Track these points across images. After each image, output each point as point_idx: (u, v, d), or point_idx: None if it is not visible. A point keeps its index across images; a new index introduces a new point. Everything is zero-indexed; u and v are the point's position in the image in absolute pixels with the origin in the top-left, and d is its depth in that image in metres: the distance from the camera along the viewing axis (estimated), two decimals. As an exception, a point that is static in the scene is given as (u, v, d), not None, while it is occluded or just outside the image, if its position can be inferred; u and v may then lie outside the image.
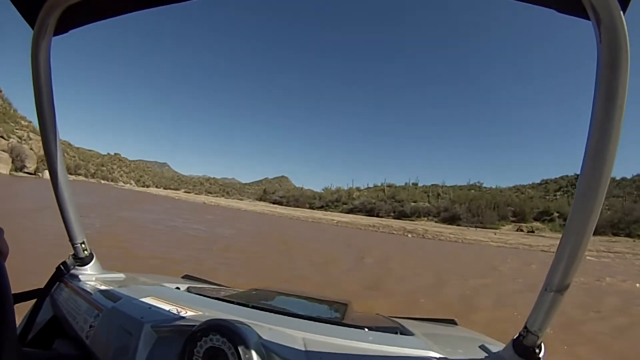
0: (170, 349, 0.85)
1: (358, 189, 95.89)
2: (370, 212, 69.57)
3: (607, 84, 0.63)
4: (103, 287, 1.21)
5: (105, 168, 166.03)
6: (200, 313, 1.02)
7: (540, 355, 0.77)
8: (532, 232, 47.02)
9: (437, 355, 0.85)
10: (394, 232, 29.64)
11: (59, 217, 1.25)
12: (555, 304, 0.73)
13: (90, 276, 1.31)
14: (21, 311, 1.07)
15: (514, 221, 55.11)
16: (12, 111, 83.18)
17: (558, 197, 68.02)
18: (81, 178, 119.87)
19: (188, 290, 1.48)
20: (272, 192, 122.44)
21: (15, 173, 63.49)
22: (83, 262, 1.32)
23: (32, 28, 1.05)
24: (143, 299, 1.08)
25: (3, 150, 63.73)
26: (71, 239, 1.28)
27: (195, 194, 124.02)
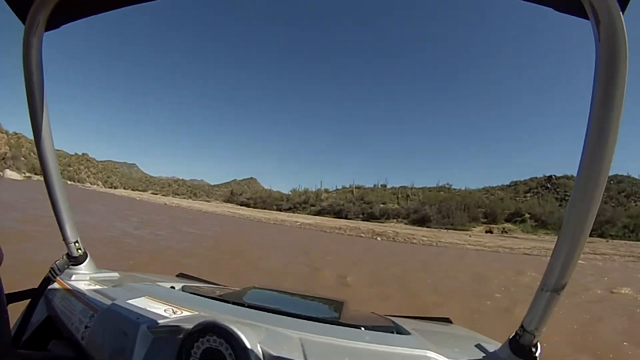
0: (167, 350, 0.85)
1: (327, 191, 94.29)
2: (338, 214, 68.10)
3: (606, 83, 0.63)
4: (98, 287, 1.22)
5: (72, 168, 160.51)
6: (196, 313, 1.01)
7: (537, 354, 0.78)
8: (506, 232, 46.36)
9: (434, 355, 0.85)
10: (362, 235, 27.09)
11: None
12: (551, 303, 0.74)
13: (85, 275, 1.31)
14: (16, 311, 1.12)
15: (484, 222, 54.58)
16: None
17: (528, 198, 68.13)
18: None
19: (183, 289, 1.46)
20: (240, 193, 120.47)
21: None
22: (77, 261, 1.31)
23: (24, 24, 1.06)
24: (138, 299, 1.07)
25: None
26: (65, 238, 1.27)
27: (163, 195, 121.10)
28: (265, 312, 1.11)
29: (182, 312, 1.00)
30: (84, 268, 1.33)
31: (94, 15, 1.10)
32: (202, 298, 1.26)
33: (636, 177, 63.88)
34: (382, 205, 69.67)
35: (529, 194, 72.30)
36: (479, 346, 0.95)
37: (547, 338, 5.22)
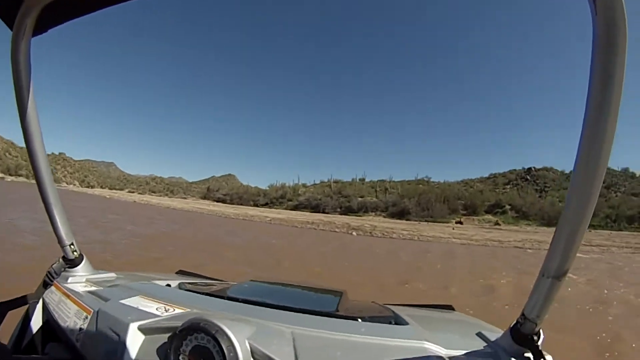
0: (158, 349, 0.86)
1: (304, 186, 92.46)
2: (315, 209, 66.44)
3: (605, 59, 0.61)
4: (93, 288, 1.22)
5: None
6: (188, 310, 1.02)
7: (539, 342, 0.77)
8: (498, 224, 44.81)
9: (432, 345, 0.85)
10: (336, 229, 24.55)
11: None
12: (553, 290, 0.73)
13: (81, 277, 1.32)
14: (16, 317, 1.19)
15: (464, 214, 53.56)
16: None
17: (508, 190, 67.61)
18: (21, 179, 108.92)
19: (179, 286, 1.47)
20: (216, 190, 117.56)
21: None
22: (73, 263, 1.33)
23: (11, 29, 1.07)
24: (131, 299, 1.08)
25: None
26: (60, 241, 1.28)
27: (139, 193, 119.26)
28: (259, 307, 1.09)
29: (174, 310, 1.01)
30: (81, 270, 1.34)
31: (79, 17, 1.10)
32: (197, 295, 1.26)
33: (615, 169, 64.34)
34: (360, 199, 67.98)
35: (508, 186, 71.94)
36: (479, 334, 0.94)
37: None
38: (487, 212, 53.79)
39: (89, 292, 1.19)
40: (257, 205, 77.34)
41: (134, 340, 0.87)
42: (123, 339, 0.87)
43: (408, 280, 8.03)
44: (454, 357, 0.82)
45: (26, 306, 1.21)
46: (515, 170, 79.66)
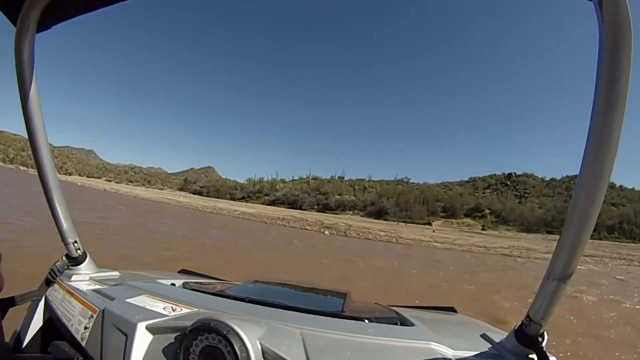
0: (166, 349, 0.85)
1: (283, 181, 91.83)
2: (292, 205, 64.89)
3: (610, 65, 0.62)
4: (97, 287, 1.22)
5: (25, 153, 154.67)
6: (195, 310, 1.02)
7: (543, 344, 0.77)
8: (484, 229, 44.00)
9: (439, 346, 0.85)
10: (308, 227, 22.70)
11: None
12: (558, 292, 0.73)
13: (85, 276, 1.32)
14: (18, 315, 1.19)
15: (443, 217, 52.91)
16: None
17: (487, 194, 67.56)
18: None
19: (184, 286, 1.46)
20: (194, 181, 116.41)
21: None
22: (77, 261, 1.32)
23: (15, 25, 1.08)
24: (137, 298, 1.08)
25: None
26: (63, 239, 1.28)
27: (116, 182, 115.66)
28: (266, 307, 1.09)
29: (181, 310, 1.00)
30: (84, 268, 1.33)
31: (84, 14, 1.10)
32: (203, 294, 1.25)
33: None
34: (338, 197, 66.69)
35: (488, 191, 72.02)
36: (484, 336, 0.94)
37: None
38: (466, 215, 53.22)
39: (93, 290, 1.17)
40: (233, 199, 76.02)
41: (142, 339, 0.86)
42: (131, 338, 0.86)
43: (390, 288, 6.45)
44: (460, 358, 0.82)
45: (28, 303, 1.20)
46: (495, 175, 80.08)
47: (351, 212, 59.17)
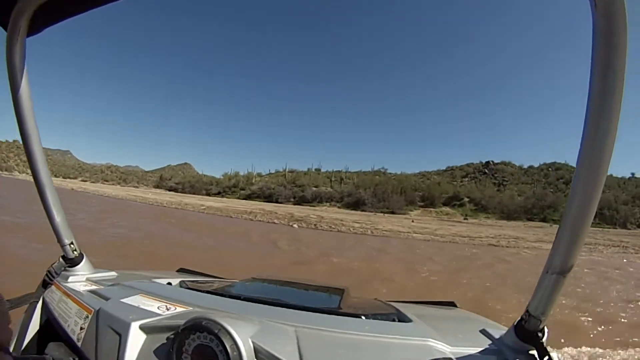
0: (160, 348, 0.85)
1: (260, 175, 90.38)
2: (269, 198, 63.89)
3: (605, 54, 0.61)
4: (94, 287, 1.21)
5: None
6: (190, 309, 1.02)
7: (543, 339, 0.76)
8: (466, 218, 43.33)
9: (436, 343, 0.84)
10: (276, 220, 20.65)
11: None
12: (557, 286, 0.72)
13: (81, 277, 1.31)
14: (16, 317, 1.16)
15: (422, 206, 52.29)
16: None
17: (465, 183, 67.17)
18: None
19: (180, 285, 1.46)
20: (169, 178, 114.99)
21: None
22: (73, 262, 1.31)
23: (5, 30, 1.08)
24: (132, 297, 1.08)
25: None
26: (59, 240, 1.27)
27: (91, 182, 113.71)
28: (261, 305, 1.09)
29: (175, 309, 1.00)
30: (81, 269, 1.32)
31: (73, 17, 1.10)
32: (198, 293, 1.25)
33: (573, 165, 63.79)
34: (314, 189, 65.63)
35: (466, 179, 71.64)
36: (483, 332, 0.93)
37: None
38: (445, 204, 52.60)
39: (90, 291, 1.17)
40: (209, 195, 74.70)
41: (136, 339, 0.86)
42: (124, 338, 0.86)
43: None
44: (458, 354, 0.81)
45: (26, 306, 1.20)
46: (473, 163, 79.61)
47: (328, 204, 58.27)
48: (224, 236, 12.20)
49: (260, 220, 20.42)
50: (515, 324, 0.80)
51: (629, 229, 37.35)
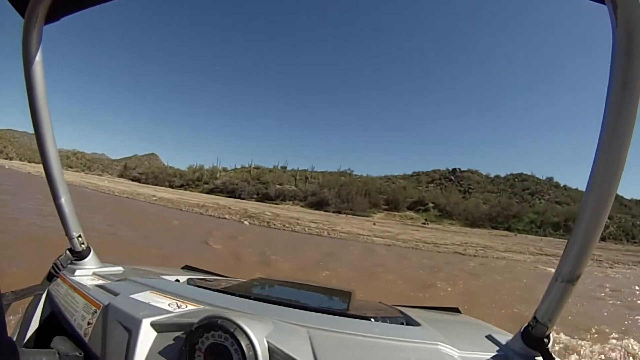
0: (171, 346, 0.84)
1: (225, 170, 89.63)
2: (232, 193, 62.52)
3: (624, 70, 0.62)
4: (101, 282, 1.21)
5: None
6: (201, 307, 1.01)
7: (549, 346, 0.77)
8: (425, 222, 42.91)
9: (445, 347, 0.84)
10: (227, 216, 18.93)
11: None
12: (565, 294, 0.73)
13: (88, 270, 1.30)
14: (21, 309, 1.19)
15: (386, 209, 51.94)
16: None
17: (431, 189, 67.51)
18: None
19: (188, 282, 1.46)
20: (133, 168, 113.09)
21: None
22: (80, 256, 1.30)
23: (23, 17, 1.06)
24: (141, 294, 1.07)
25: None
26: (67, 233, 1.26)
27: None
28: (272, 304, 1.08)
29: (186, 306, 0.99)
30: (87, 263, 1.31)
31: (93, 7, 1.10)
32: (208, 291, 1.23)
33: (539, 177, 67.86)
34: (278, 186, 64.62)
35: (431, 185, 71.99)
36: (490, 337, 0.93)
37: None
38: (409, 208, 52.14)
39: (97, 285, 1.15)
40: (172, 187, 73.24)
41: (147, 336, 0.85)
42: (135, 334, 0.84)
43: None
44: (467, 358, 0.82)
45: (30, 298, 1.18)
46: (439, 170, 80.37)
47: (291, 202, 57.21)
48: (153, 228, 10.40)
49: (210, 215, 18.76)
50: (522, 330, 0.80)
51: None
